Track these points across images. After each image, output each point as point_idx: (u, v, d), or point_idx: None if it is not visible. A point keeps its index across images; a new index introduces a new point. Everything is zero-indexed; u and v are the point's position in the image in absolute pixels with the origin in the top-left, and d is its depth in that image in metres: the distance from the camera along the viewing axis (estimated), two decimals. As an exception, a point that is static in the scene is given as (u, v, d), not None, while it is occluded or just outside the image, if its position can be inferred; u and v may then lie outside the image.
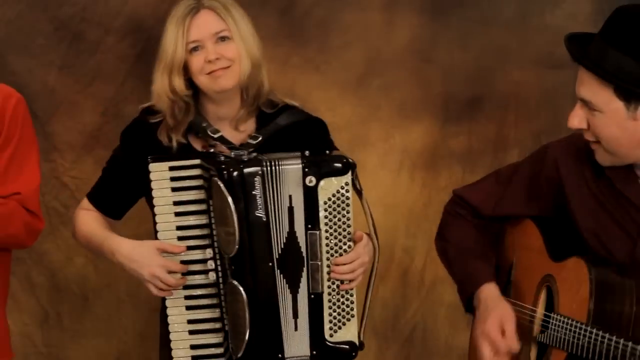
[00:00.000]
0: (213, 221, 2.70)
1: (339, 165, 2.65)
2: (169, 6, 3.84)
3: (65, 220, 3.92)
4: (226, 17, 2.75)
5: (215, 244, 2.71)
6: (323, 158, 2.68)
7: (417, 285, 4.06)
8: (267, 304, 2.67)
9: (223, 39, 2.74)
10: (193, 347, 2.74)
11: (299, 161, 2.65)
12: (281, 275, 2.67)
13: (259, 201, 2.64)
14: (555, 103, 4.00)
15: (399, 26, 3.96)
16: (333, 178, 2.65)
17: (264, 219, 2.64)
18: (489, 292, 2.74)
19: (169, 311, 2.75)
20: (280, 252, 2.66)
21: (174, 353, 2.75)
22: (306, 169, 2.64)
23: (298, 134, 2.84)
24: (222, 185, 2.62)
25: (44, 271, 3.94)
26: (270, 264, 2.66)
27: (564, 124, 4.02)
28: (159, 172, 2.71)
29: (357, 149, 3.81)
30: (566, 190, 2.69)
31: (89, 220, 2.89)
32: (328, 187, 2.65)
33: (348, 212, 2.66)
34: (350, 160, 2.68)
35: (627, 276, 2.55)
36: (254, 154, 2.72)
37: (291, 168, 2.64)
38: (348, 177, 2.65)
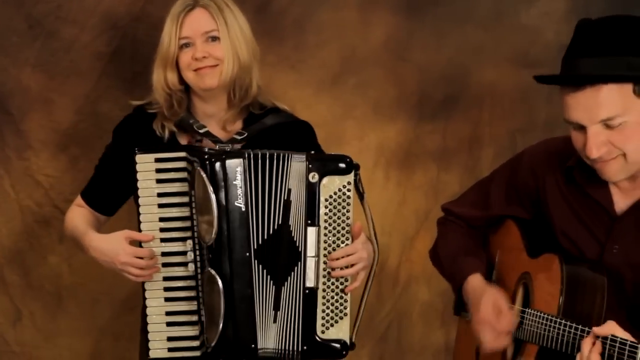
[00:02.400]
0: (194, 213, 2.74)
1: (343, 164, 2.71)
2: (144, 4, 3.87)
3: (39, 218, 3.90)
4: (218, 18, 2.83)
5: (196, 236, 2.75)
6: (327, 157, 2.78)
7: (392, 284, 4.07)
8: (242, 294, 2.70)
9: (213, 38, 2.83)
10: (170, 339, 2.77)
11: (304, 157, 2.71)
12: (260, 266, 2.69)
13: (239, 191, 2.69)
14: (530, 102, 4.02)
15: (374, 25, 3.96)
16: (335, 177, 2.71)
17: (243, 209, 2.68)
18: (475, 282, 2.77)
19: (148, 302, 2.78)
20: (260, 242, 2.69)
21: (150, 344, 2.78)
22: (310, 166, 2.70)
23: (284, 135, 2.90)
24: (204, 175, 2.67)
25: (17, 270, 3.92)
26: (248, 253, 2.69)
27: (538, 122, 4.08)
28: (145, 164, 2.75)
29: (332, 147, 3.76)
30: (542, 194, 2.71)
31: (75, 216, 2.95)
32: (330, 185, 2.71)
33: (348, 212, 2.72)
34: (354, 162, 2.72)
35: (598, 273, 2.57)
36: (239, 148, 2.78)
37: (295, 163, 2.71)
38: (350, 177, 2.71)
